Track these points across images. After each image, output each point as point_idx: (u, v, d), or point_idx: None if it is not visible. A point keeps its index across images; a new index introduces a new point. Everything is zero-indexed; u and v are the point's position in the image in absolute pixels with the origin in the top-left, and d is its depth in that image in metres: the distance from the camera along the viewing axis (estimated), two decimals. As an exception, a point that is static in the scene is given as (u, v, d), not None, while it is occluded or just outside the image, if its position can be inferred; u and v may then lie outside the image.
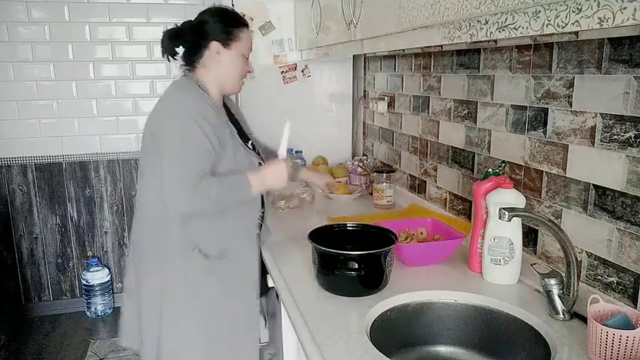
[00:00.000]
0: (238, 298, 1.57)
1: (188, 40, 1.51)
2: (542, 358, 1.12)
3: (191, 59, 1.54)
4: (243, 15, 1.66)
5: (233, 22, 1.53)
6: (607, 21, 0.73)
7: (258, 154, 1.64)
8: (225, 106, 1.64)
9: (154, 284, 1.53)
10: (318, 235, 1.40)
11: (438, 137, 1.94)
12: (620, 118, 1.11)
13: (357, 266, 1.29)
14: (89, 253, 3.36)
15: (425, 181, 2.07)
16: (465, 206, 1.78)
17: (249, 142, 1.65)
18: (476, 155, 1.68)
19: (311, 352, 1.08)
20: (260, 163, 1.60)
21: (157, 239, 1.51)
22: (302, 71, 2.68)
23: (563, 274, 1.19)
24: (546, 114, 1.33)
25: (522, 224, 1.37)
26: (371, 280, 1.31)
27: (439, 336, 1.32)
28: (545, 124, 1.34)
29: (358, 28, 1.65)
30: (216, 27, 1.51)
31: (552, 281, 1.19)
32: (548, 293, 1.19)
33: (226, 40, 1.51)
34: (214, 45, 1.50)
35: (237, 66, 1.54)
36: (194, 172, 1.38)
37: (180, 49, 1.54)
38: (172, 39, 1.50)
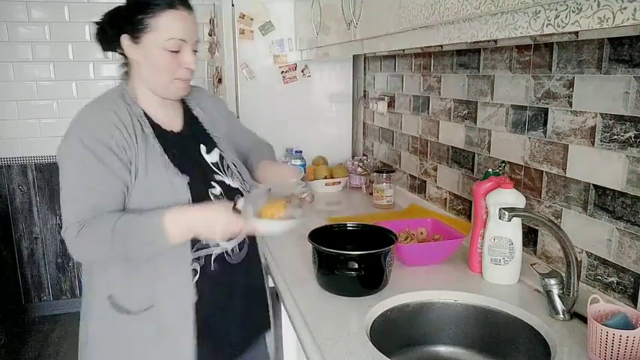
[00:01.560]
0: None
1: (107, 36, 1.21)
2: (542, 358, 1.12)
3: (123, 57, 1.24)
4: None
5: (143, 5, 1.14)
6: (607, 21, 0.73)
7: (232, 174, 1.30)
8: (186, 109, 1.33)
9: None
10: (318, 236, 1.38)
11: (438, 137, 1.94)
12: (620, 118, 1.11)
13: (357, 266, 1.28)
14: (89, 253, 3.36)
15: (425, 181, 2.07)
16: (465, 206, 1.78)
17: (217, 160, 1.29)
18: (476, 155, 1.68)
19: (311, 352, 1.08)
20: (225, 185, 1.25)
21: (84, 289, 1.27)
22: (302, 71, 2.68)
23: (563, 274, 1.19)
24: (546, 114, 1.33)
25: (522, 224, 1.37)
26: (371, 280, 1.31)
27: (439, 336, 1.32)
28: (545, 124, 1.34)
29: (358, 28, 1.65)
30: (123, 15, 1.18)
31: (552, 281, 1.19)
32: (548, 293, 1.19)
33: (134, 32, 1.16)
34: (123, 40, 1.17)
35: (158, 63, 1.17)
36: (80, 211, 1.09)
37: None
38: (97, 35, 1.23)
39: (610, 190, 1.15)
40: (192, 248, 1.17)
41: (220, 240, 1.17)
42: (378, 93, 2.54)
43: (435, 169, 1.97)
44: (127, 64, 1.24)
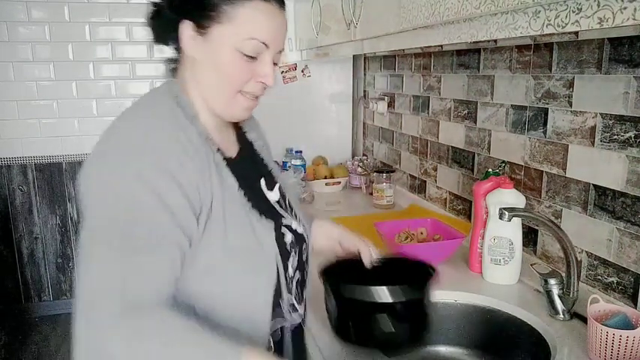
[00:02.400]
0: None
1: (164, 21, 0.90)
2: (542, 358, 1.12)
3: (176, 51, 0.93)
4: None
5: None
6: (607, 21, 0.73)
7: (295, 216, 1.01)
8: (240, 133, 1.02)
9: None
10: (333, 273, 1.03)
11: (438, 137, 1.94)
12: (620, 118, 1.11)
13: (392, 311, 0.93)
14: (89, 253, 3.36)
15: (425, 181, 2.07)
16: (465, 206, 1.78)
17: (279, 197, 1.00)
18: (476, 155, 1.68)
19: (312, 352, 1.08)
20: (299, 241, 0.97)
21: None
22: (302, 71, 2.67)
23: (563, 274, 1.19)
24: (546, 114, 1.33)
25: (522, 224, 1.37)
26: (413, 328, 0.99)
27: (439, 336, 1.32)
28: (545, 124, 1.34)
29: (358, 28, 1.65)
30: None
31: (552, 281, 1.19)
32: (548, 293, 1.19)
33: (202, 19, 0.84)
34: (184, 28, 0.85)
35: (225, 68, 0.85)
36: (121, 283, 0.72)
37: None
38: (151, 19, 0.94)
39: (610, 190, 1.15)
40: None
41: None
42: (378, 93, 2.54)
43: (435, 169, 1.97)
44: (177, 59, 0.93)
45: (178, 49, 0.91)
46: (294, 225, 0.98)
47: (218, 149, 0.88)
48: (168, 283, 0.76)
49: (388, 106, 2.40)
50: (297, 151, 2.56)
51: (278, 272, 0.89)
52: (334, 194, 2.44)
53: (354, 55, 2.77)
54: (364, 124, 2.79)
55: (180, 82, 0.91)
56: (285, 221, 0.96)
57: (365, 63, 2.72)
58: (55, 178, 3.23)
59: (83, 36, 3.12)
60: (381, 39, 1.55)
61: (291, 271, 0.94)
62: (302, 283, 0.99)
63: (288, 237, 0.94)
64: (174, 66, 0.94)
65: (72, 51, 3.12)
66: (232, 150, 0.96)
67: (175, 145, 0.79)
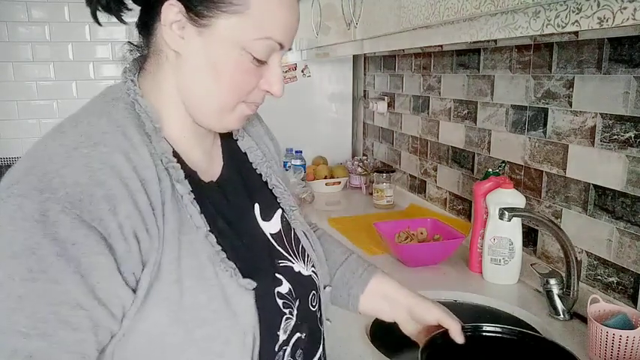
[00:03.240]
0: None
1: None
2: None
3: (144, 34, 0.71)
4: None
5: None
6: (607, 21, 0.73)
7: (302, 253, 0.77)
8: (226, 139, 0.78)
9: None
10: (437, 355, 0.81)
11: (438, 137, 1.94)
12: (620, 118, 1.11)
13: None
14: (89, 253, 3.36)
15: (425, 181, 2.07)
16: (465, 206, 1.78)
17: (279, 229, 0.77)
18: (476, 155, 1.68)
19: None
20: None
21: None
22: (302, 71, 2.67)
23: (563, 274, 1.19)
24: (546, 114, 1.33)
25: (522, 224, 1.37)
26: None
27: (439, 336, 1.32)
28: (545, 124, 1.34)
29: (358, 28, 1.65)
30: None
31: (552, 281, 1.19)
32: (548, 293, 1.19)
33: (200, 2, 0.61)
34: (169, 11, 0.63)
35: (228, 74, 0.64)
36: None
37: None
38: None
39: (610, 190, 1.15)
40: None
41: None
42: (378, 93, 2.54)
43: (435, 169, 1.97)
44: (143, 50, 0.70)
45: (149, 34, 0.67)
46: (297, 267, 0.73)
47: (187, 175, 0.64)
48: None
49: (388, 106, 2.40)
50: (297, 151, 2.56)
51: (253, 354, 0.63)
52: (334, 194, 2.45)
53: (354, 55, 2.77)
54: (364, 124, 2.79)
55: (144, 79, 0.68)
56: (281, 262, 0.72)
57: (365, 63, 2.72)
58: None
59: (83, 36, 3.11)
60: (381, 39, 1.55)
61: (284, 336, 0.68)
62: (311, 344, 0.74)
63: (284, 287, 0.69)
64: (137, 54, 0.71)
65: (72, 51, 3.12)
66: (213, 169, 0.73)
67: (107, 176, 0.55)
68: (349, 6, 1.66)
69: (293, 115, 2.67)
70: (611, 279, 1.17)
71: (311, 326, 0.74)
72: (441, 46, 1.81)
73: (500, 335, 0.88)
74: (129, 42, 0.71)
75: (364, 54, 2.66)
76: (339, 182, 2.48)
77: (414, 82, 2.11)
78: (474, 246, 1.45)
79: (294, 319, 0.70)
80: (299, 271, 0.73)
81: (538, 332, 1.15)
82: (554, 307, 1.18)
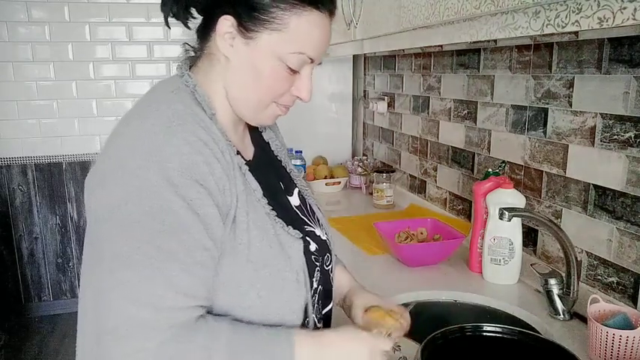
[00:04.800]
0: None
1: (202, 5, 0.80)
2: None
3: (201, 38, 0.83)
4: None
5: None
6: (607, 21, 0.73)
7: (318, 222, 0.94)
8: (255, 133, 0.95)
9: None
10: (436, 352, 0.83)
11: (438, 137, 1.94)
12: (620, 118, 1.11)
13: None
14: (89, 253, 3.36)
15: (425, 181, 2.07)
16: (465, 206, 1.78)
17: (299, 203, 0.93)
18: (476, 155, 1.68)
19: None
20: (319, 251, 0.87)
21: None
22: (302, 71, 2.68)
23: (563, 274, 1.19)
24: (546, 114, 1.33)
25: (522, 224, 1.37)
26: None
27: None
28: (545, 124, 1.34)
29: (358, 28, 1.65)
30: None
31: (552, 281, 1.19)
32: (548, 293, 1.19)
33: (249, 20, 0.75)
34: (223, 24, 0.76)
35: (266, 78, 0.78)
36: (153, 300, 0.64)
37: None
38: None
39: (610, 190, 1.15)
40: None
41: None
42: (378, 93, 2.54)
43: (435, 169, 1.97)
44: (197, 51, 0.84)
45: (205, 39, 0.81)
46: (318, 232, 0.90)
47: (237, 152, 0.80)
48: (205, 299, 0.69)
49: (388, 106, 2.40)
50: (297, 151, 2.56)
51: (306, 289, 0.80)
52: (334, 194, 2.45)
53: (354, 55, 2.77)
54: (364, 124, 2.79)
55: (196, 74, 0.82)
56: (308, 229, 0.88)
57: (365, 63, 2.72)
58: (55, 178, 3.23)
59: (83, 36, 3.11)
60: (381, 39, 1.55)
61: (315, 284, 0.85)
62: (325, 298, 0.89)
63: (313, 246, 0.86)
64: (191, 55, 0.84)
65: (72, 51, 3.12)
66: (248, 152, 0.89)
67: (201, 146, 0.71)
68: (349, 6, 1.66)
69: (293, 115, 2.65)
70: (611, 279, 1.17)
71: (326, 282, 0.89)
72: (441, 46, 1.81)
73: (500, 335, 0.89)
74: (186, 43, 0.85)
75: (364, 54, 2.66)
76: (339, 182, 2.48)
77: (414, 82, 2.11)
78: (474, 246, 1.45)
79: (320, 272, 0.87)
80: (319, 235, 0.90)
81: (538, 332, 1.15)
82: (554, 307, 1.18)
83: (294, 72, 0.79)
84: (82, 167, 3.25)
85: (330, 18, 0.82)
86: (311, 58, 0.79)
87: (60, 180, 3.24)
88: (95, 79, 3.17)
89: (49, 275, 3.33)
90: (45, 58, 3.08)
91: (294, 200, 0.92)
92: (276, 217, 0.80)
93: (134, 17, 3.14)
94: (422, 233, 1.64)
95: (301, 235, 0.83)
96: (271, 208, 0.80)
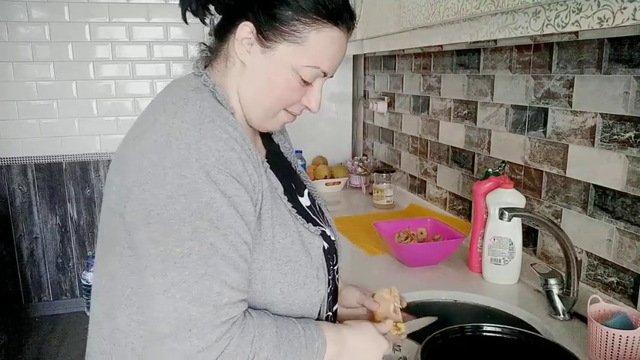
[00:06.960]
0: None
1: (223, 7, 0.81)
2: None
3: (218, 39, 0.84)
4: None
5: (304, 4, 0.76)
6: (607, 21, 0.73)
7: (327, 222, 0.96)
8: (266, 135, 0.96)
9: None
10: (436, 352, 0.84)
11: (438, 137, 1.94)
12: (620, 118, 1.11)
13: None
14: (89, 253, 3.36)
15: (425, 181, 2.07)
16: (465, 206, 1.78)
17: (310, 200, 0.96)
18: (476, 155, 1.68)
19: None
20: (330, 249, 0.89)
21: None
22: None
23: (563, 274, 1.19)
24: (546, 114, 1.33)
25: (522, 224, 1.37)
26: None
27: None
28: (545, 124, 1.34)
29: (358, 28, 1.65)
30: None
31: (552, 281, 1.19)
32: (548, 293, 1.19)
33: (268, 29, 0.77)
34: (243, 30, 0.78)
35: (278, 88, 0.80)
36: (206, 296, 0.66)
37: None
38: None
39: (610, 190, 1.15)
40: None
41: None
42: (378, 93, 2.54)
43: (435, 169, 1.97)
44: (214, 52, 0.84)
45: (222, 41, 0.82)
46: (328, 232, 0.92)
47: None
48: (247, 292, 0.73)
49: (388, 106, 2.40)
50: (297, 151, 2.56)
51: (324, 286, 0.83)
52: (334, 194, 2.45)
53: (354, 55, 2.77)
54: (364, 124, 2.79)
55: (213, 75, 0.82)
56: (320, 228, 0.89)
57: (365, 63, 2.72)
58: (55, 178, 3.23)
59: (83, 36, 3.11)
60: (381, 39, 1.55)
61: (330, 282, 0.88)
62: (333, 296, 0.91)
63: (326, 245, 0.88)
64: (208, 55, 0.85)
65: (72, 51, 3.12)
66: (261, 153, 0.89)
67: (233, 143, 0.71)
68: (349, 6, 1.66)
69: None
70: (611, 279, 1.17)
71: (333, 282, 0.91)
72: (441, 46, 1.80)
73: (500, 335, 0.90)
74: (203, 43, 0.86)
75: (364, 54, 2.66)
76: (339, 182, 2.48)
77: (414, 82, 2.11)
78: (474, 246, 1.45)
79: (332, 272, 0.89)
80: (329, 235, 0.92)
81: (538, 332, 1.15)
82: (554, 307, 1.18)
83: (306, 84, 0.81)
84: (82, 167, 3.25)
85: (348, 35, 0.83)
86: (324, 72, 0.82)
87: (60, 180, 3.24)
88: (95, 79, 3.17)
89: (49, 275, 3.33)
90: (45, 58, 3.08)
91: (305, 201, 0.94)
92: (297, 215, 0.83)
93: (134, 17, 3.14)
94: (422, 233, 1.64)
95: (320, 232, 0.86)
96: (291, 205, 0.83)
